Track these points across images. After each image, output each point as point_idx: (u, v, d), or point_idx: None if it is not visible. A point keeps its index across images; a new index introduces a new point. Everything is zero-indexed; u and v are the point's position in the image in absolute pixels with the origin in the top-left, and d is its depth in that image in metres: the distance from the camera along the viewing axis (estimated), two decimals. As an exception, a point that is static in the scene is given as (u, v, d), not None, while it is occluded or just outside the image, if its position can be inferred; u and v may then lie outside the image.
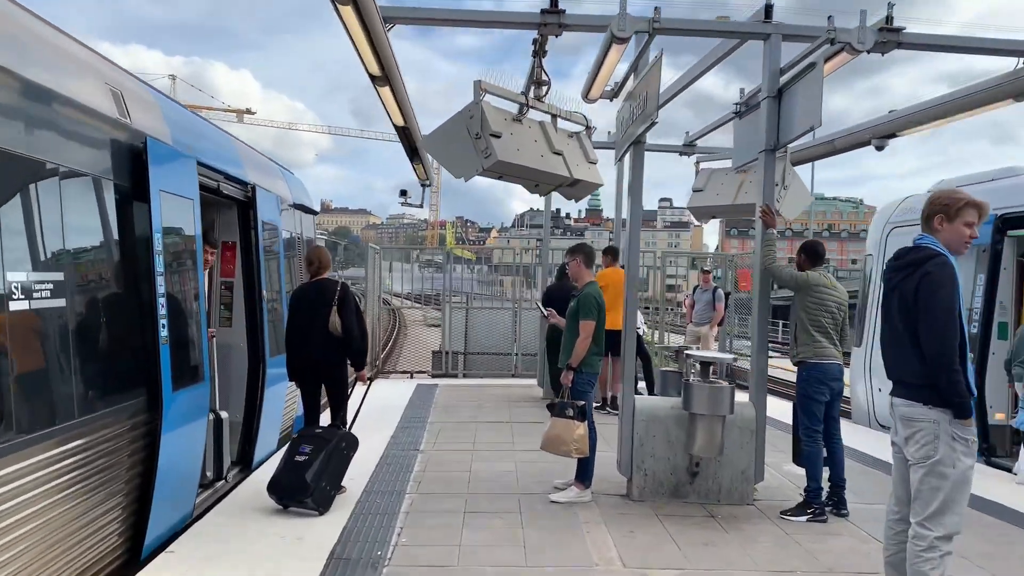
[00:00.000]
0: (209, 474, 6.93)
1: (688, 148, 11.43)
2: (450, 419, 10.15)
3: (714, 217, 11.02)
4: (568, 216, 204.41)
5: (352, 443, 6.47)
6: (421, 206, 14.45)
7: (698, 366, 6.42)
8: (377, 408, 10.85)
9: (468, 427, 9.62)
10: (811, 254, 6.42)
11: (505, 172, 7.17)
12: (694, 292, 13.67)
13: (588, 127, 8.24)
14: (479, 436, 9.05)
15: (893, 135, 8.55)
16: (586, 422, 6.35)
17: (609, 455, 7.17)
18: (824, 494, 6.20)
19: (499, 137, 6.91)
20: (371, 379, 7.05)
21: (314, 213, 10.72)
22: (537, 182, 7.64)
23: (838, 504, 6.23)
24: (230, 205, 7.63)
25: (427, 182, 14.06)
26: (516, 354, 14.55)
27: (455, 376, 14.58)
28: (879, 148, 8.85)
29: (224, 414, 7.04)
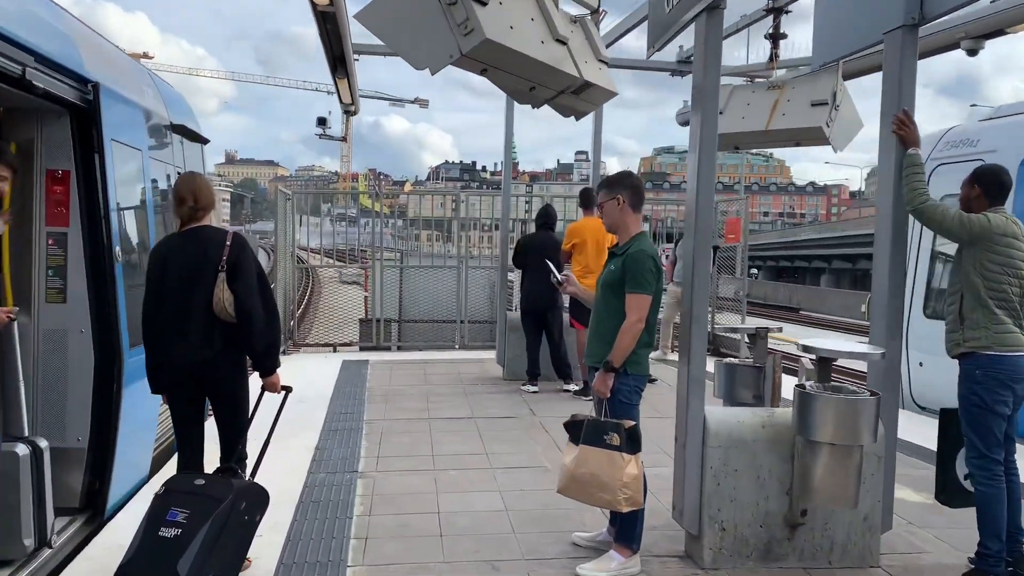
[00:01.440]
0: (28, 542, 4.34)
1: (684, 65, 9.10)
2: (394, 415, 7.68)
3: (737, 149, 8.80)
4: (484, 168, 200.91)
5: (258, 502, 3.97)
6: (344, 139, 11.79)
7: (812, 363, 4.13)
8: (294, 398, 8.30)
9: (420, 428, 7.19)
10: (992, 185, 4.18)
11: (491, 62, 4.67)
12: (675, 247, 11.47)
13: (597, 10, 5.78)
14: (439, 444, 6.63)
15: (996, 33, 6.42)
16: (638, 455, 4.01)
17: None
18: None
19: (485, 4, 4.40)
20: (287, 389, 4.50)
21: (203, 141, 7.97)
22: (534, 83, 5.16)
23: (1016, 564, 4.10)
24: (60, 113, 4.91)
25: (351, 107, 11.37)
26: (463, 321, 12.11)
27: (388, 349, 12.07)
28: (971, 53, 6.71)
29: (43, 442, 4.43)
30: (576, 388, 8.82)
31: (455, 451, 6.42)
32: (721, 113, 8.07)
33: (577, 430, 4.17)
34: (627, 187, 4.26)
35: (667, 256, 12.33)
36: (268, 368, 4.22)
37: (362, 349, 12.07)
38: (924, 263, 9.04)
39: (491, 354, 11.23)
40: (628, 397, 4.13)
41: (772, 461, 4.19)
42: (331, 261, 22.48)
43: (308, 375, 9.99)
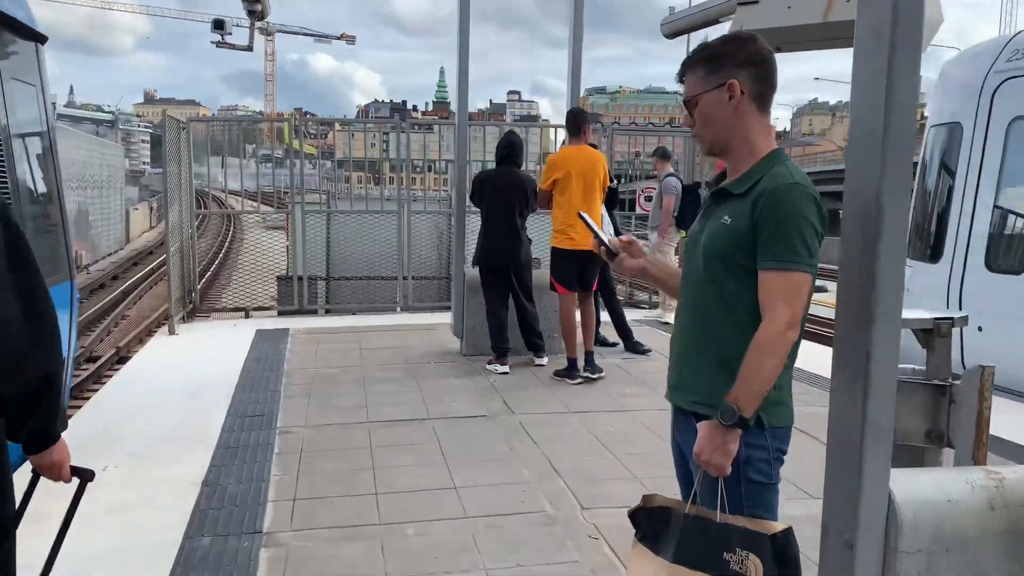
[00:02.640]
0: None
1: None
2: (319, 417, 5.62)
3: (779, 50, 6.82)
4: (415, 108, 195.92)
5: None
6: (249, 48, 9.43)
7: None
8: (184, 393, 6.18)
9: (356, 441, 5.15)
10: None
11: None
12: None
13: None
14: (384, 473, 4.61)
15: None
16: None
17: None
18: None
19: None
20: (83, 477, 2.32)
21: (39, 39, 5.62)
22: None
23: None
24: None
25: (257, 7, 9.01)
26: (406, 278, 10.01)
27: (314, 313, 9.92)
28: None
29: None
30: (546, 363, 6.96)
31: (409, 485, 4.40)
32: (755, 1, 6.10)
33: (657, 525, 2.20)
34: (748, 62, 2.21)
35: (648, 197, 10.40)
36: (39, 434, 2.12)
37: (281, 314, 9.90)
38: (986, 205, 7.27)
39: (442, 318, 9.22)
40: (766, 471, 2.18)
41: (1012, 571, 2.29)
42: (254, 205, 20.19)
43: (208, 352, 7.82)
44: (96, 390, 8.63)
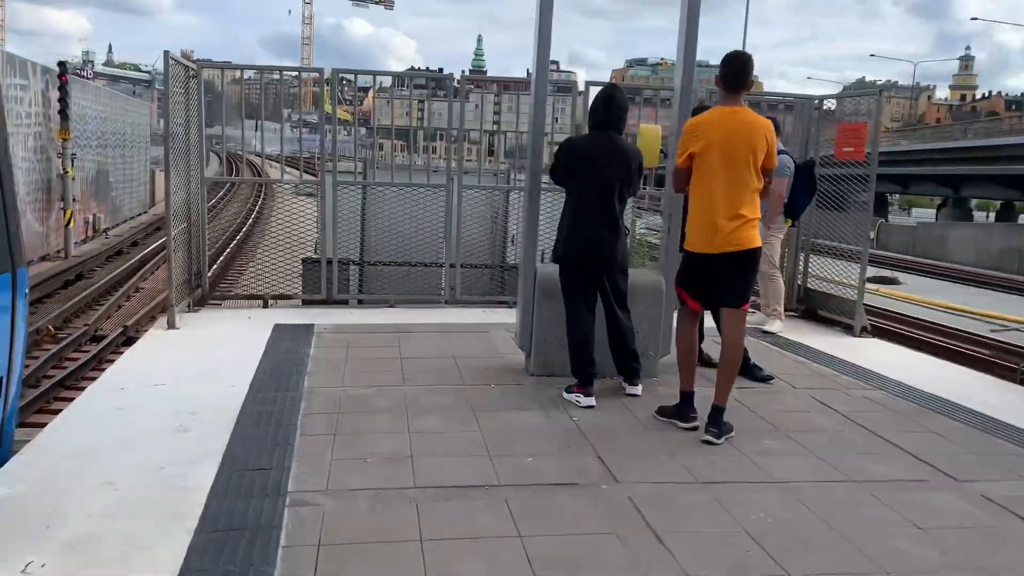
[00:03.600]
0: None
1: None
2: (346, 476, 4.02)
3: None
4: (452, 76, 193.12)
5: None
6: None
7: None
8: (170, 412, 4.61)
9: (399, 517, 3.57)
10: None
11: None
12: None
13: None
14: (439, 565, 3.05)
15: None
16: None
17: None
18: None
19: None
20: None
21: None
22: None
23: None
24: None
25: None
26: (453, 265, 8.39)
27: (344, 303, 8.35)
28: None
29: None
30: (640, 392, 5.33)
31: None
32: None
33: None
34: None
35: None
36: None
37: (306, 303, 8.34)
38: None
39: (497, 316, 7.65)
40: None
41: None
42: (294, 173, 18.80)
43: (211, 358, 6.27)
44: (94, 378, 7.14)
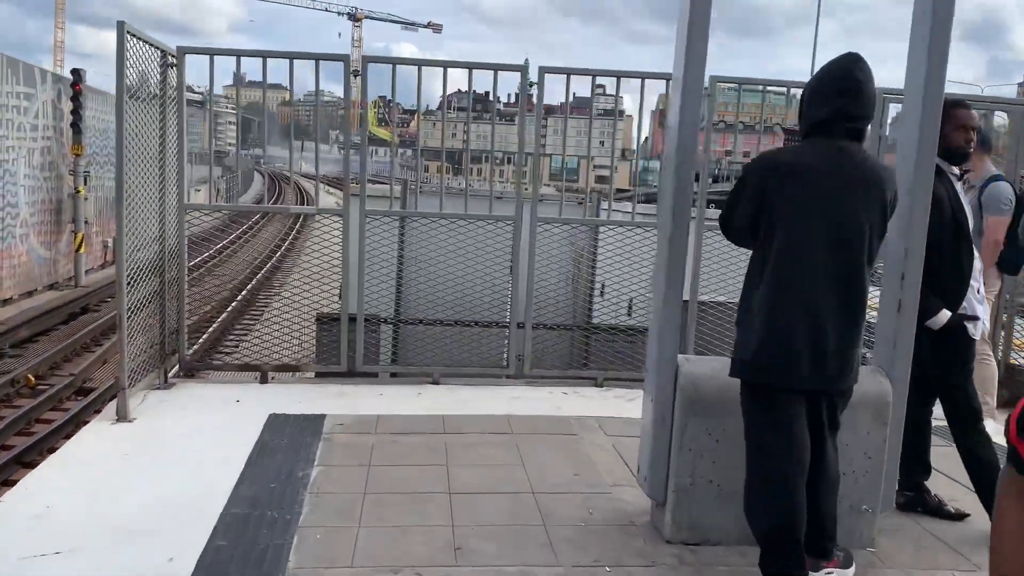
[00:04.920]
0: None
1: None
2: None
3: None
4: (498, 99, 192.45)
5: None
6: None
7: None
8: None
9: None
10: None
11: None
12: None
13: None
14: None
15: None
16: None
17: None
18: None
19: None
20: None
21: None
22: None
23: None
24: None
25: None
26: (521, 326, 6.09)
27: (372, 377, 6.09)
28: None
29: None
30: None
31: None
32: None
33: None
34: None
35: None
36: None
37: (321, 376, 6.12)
38: None
39: (581, 402, 5.42)
40: None
41: None
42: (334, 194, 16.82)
43: (157, 483, 4.03)
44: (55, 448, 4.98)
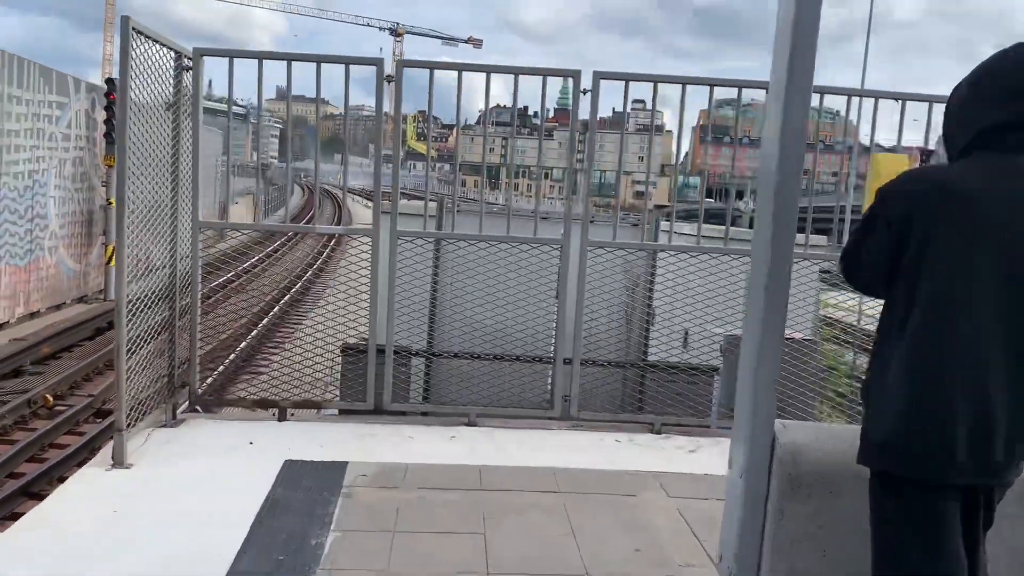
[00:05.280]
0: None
1: None
2: None
3: None
4: (535, 114, 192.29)
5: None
6: None
7: None
8: None
9: None
10: None
11: None
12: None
13: None
14: None
15: None
16: None
17: None
18: None
19: None
20: None
21: None
22: None
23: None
24: None
25: None
26: (569, 362, 5.42)
27: (401, 416, 5.45)
28: None
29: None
30: None
31: None
32: None
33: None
34: None
35: None
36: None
37: (344, 413, 5.51)
38: None
39: (637, 451, 4.71)
40: None
41: None
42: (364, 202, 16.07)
43: (145, 551, 3.42)
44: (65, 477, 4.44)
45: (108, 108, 15.95)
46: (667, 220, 5.65)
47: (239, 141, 33.81)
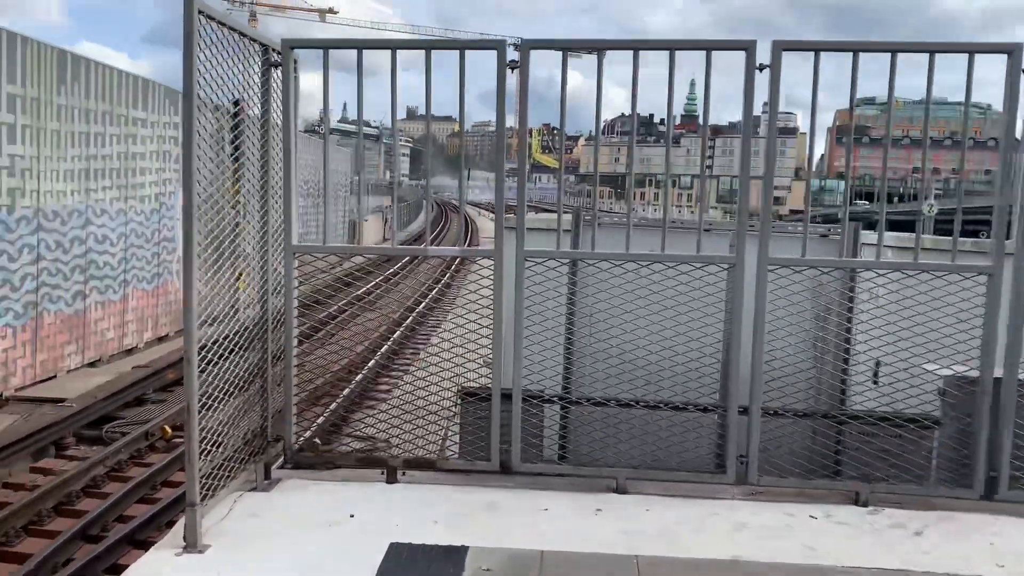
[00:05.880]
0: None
1: None
2: None
3: None
4: (661, 122, 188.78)
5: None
6: None
7: None
8: None
9: None
10: None
11: None
12: None
13: None
14: None
15: None
16: None
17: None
18: None
19: None
20: None
21: None
22: None
23: None
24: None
25: None
26: (745, 411, 4.27)
27: (533, 478, 4.44)
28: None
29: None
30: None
31: None
32: None
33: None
34: None
35: None
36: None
37: (466, 475, 4.54)
38: None
39: (842, 538, 3.54)
40: None
41: None
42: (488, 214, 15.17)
43: None
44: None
45: (235, 128, 15.86)
46: (869, 230, 4.41)
47: (372, 160, 34.02)
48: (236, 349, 4.17)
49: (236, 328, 4.24)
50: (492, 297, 4.43)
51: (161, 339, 13.83)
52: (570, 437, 4.65)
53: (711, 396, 4.51)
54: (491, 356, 4.45)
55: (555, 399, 4.59)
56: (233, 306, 4.22)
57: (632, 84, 4.23)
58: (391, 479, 4.45)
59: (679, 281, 4.33)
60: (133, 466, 8.58)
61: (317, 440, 4.65)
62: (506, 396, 4.43)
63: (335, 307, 7.01)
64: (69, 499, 7.48)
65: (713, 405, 4.49)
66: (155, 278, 13.57)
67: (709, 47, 4.10)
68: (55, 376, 11.19)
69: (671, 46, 4.08)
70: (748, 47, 4.02)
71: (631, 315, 4.42)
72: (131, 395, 10.83)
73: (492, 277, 4.43)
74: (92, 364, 12.08)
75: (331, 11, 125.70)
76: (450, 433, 4.81)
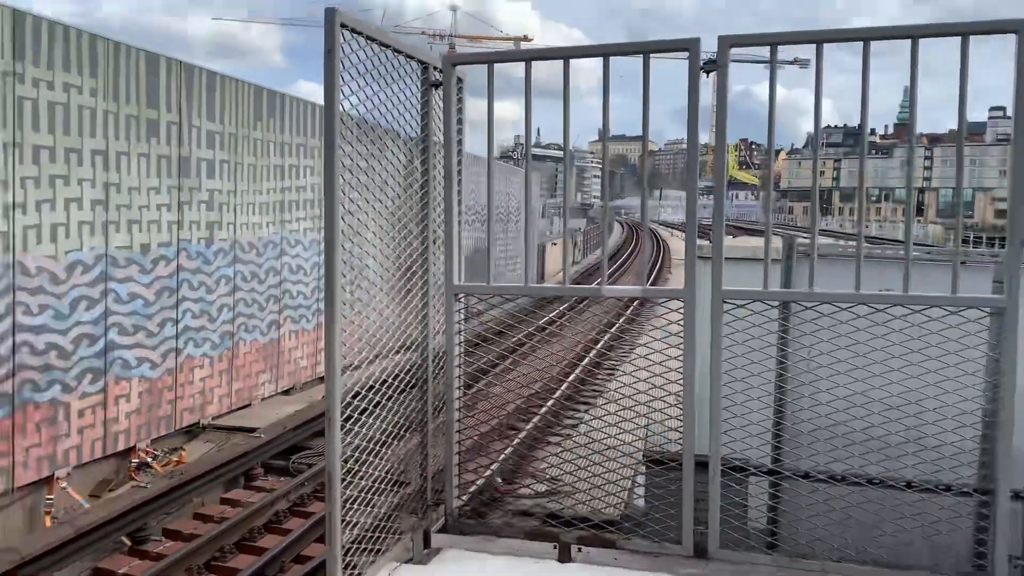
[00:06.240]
0: None
1: None
2: None
3: None
4: (873, 131, 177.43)
5: None
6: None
7: None
8: None
9: None
10: None
11: None
12: None
13: None
14: None
15: None
16: None
17: None
18: None
19: None
20: None
21: None
22: None
23: None
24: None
25: None
26: (1017, 496, 3.27)
27: (733, 564, 3.64)
28: None
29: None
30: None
31: None
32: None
33: None
34: None
35: None
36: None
37: (652, 557, 3.81)
38: None
39: None
40: None
41: None
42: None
43: None
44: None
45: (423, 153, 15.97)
46: None
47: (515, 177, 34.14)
48: (392, 400, 3.72)
49: (396, 371, 3.80)
50: (682, 345, 3.70)
51: (355, 367, 14.02)
52: (781, 518, 3.81)
53: (967, 475, 3.53)
54: (682, 416, 3.72)
55: (763, 471, 3.77)
56: (410, 345, 3.79)
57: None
58: (564, 557, 3.81)
59: (926, 328, 3.40)
60: (315, 500, 8.49)
61: (483, 506, 4.10)
62: (701, 464, 3.68)
63: (503, 347, 6.47)
64: (251, 535, 7.45)
65: (971, 487, 3.50)
66: (348, 306, 13.81)
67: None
68: (249, 404, 11.53)
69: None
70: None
71: (859, 369, 3.53)
72: (320, 425, 10.91)
73: (682, 321, 3.71)
74: (286, 392, 12.40)
75: (526, 38, 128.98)
76: (632, 504, 4.11)
